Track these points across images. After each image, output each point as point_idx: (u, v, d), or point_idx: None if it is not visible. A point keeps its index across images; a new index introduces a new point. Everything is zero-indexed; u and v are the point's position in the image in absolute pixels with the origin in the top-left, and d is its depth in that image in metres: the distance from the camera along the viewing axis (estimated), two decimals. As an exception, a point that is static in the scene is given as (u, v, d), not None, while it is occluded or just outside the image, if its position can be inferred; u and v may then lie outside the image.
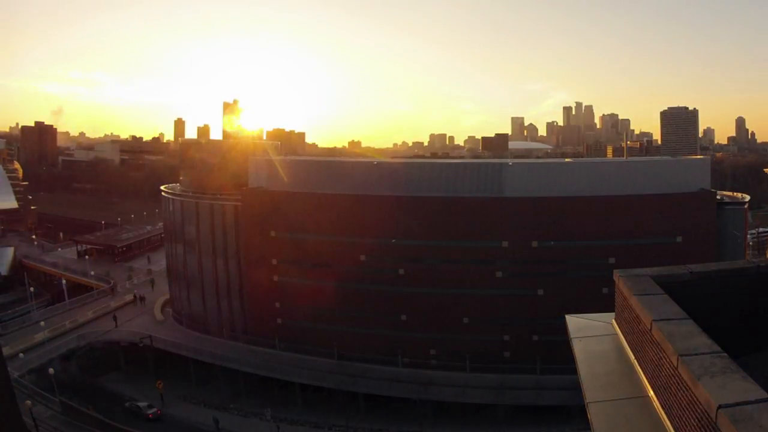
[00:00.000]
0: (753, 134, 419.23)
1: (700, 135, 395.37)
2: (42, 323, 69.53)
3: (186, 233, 78.58)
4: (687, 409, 5.44)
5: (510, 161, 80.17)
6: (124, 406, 64.48)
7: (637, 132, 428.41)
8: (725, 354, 5.58)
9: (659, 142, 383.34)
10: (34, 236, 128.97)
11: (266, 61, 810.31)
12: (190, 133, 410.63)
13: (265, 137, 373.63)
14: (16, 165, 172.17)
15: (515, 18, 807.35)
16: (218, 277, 76.23)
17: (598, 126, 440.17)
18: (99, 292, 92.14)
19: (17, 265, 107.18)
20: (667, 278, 8.33)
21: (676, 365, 5.75)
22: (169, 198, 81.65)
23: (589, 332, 9.24)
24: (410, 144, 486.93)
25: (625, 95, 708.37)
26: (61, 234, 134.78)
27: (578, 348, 8.80)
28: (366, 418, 62.87)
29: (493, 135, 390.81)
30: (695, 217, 62.67)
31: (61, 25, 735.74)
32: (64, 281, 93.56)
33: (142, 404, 64.12)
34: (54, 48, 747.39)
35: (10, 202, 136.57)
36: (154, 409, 63.44)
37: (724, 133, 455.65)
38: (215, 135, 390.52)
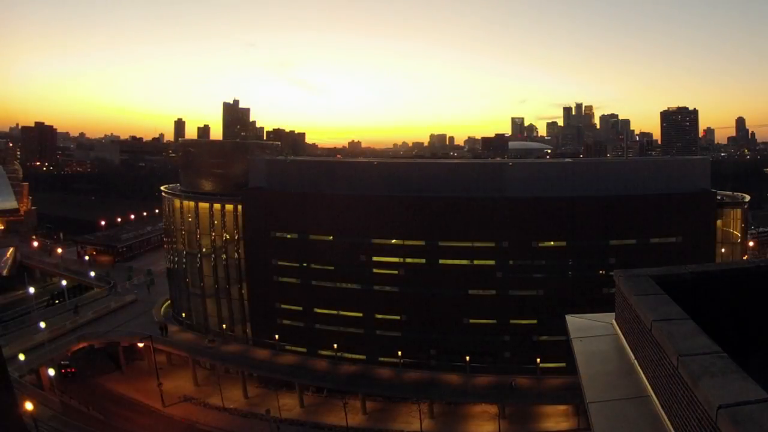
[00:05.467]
0: (753, 134, 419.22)
1: (700, 135, 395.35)
2: (42, 324, 69.41)
3: (186, 233, 78.53)
4: (687, 409, 5.43)
5: (510, 161, 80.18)
6: None
7: (637, 132, 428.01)
8: (725, 354, 5.57)
9: (659, 142, 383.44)
10: (34, 236, 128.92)
11: (267, 61, 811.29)
12: (190, 134, 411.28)
13: (265, 137, 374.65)
14: (16, 165, 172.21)
15: (516, 18, 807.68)
16: (218, 277, 76.19)
17: (598, 126, 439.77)
18: (99, 293, 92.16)
19: (17, 265, 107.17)
20: (667, 278, 8.31)
21: (676, 365, 5.75)
22: (169, 198, 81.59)
23: (589, 332, 9.23)
24: (410, 144, 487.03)
25: (625, 95, 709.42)
26: (61, 234, 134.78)
27: (578, 348, 8.79)
28: (366, 418, 62.89)
29: (493, 135, 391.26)
30: (695, 217, 62.67)
31: (63, 25, 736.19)
32: (64, 281, 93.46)
33: None
34: (55, 48, 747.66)
35: (10, 202, 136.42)
36: None
37: (724, 133, 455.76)
38: (215, 135, 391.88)
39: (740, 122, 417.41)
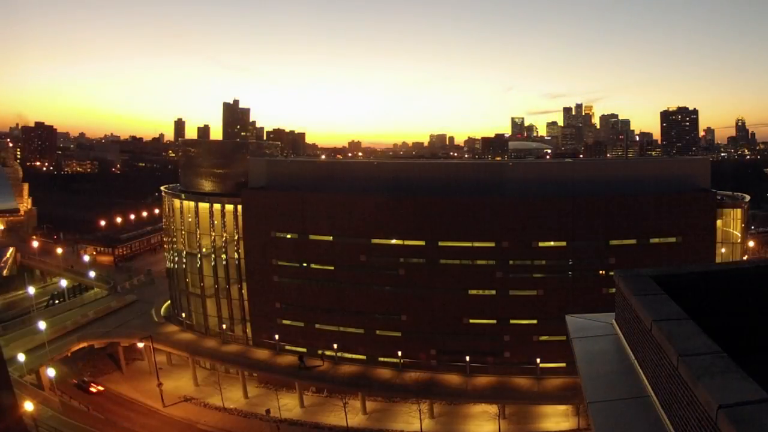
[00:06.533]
0: (753, 134, 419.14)
1: (700, 135, 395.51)
2: (42, 324, 69.44)
3: (186, 233, 78.50)
4: (687, 409, 5.43)
5: (510, 161, 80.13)
6: None
7: (637, 132, 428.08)
8: (725, 354, 5.57)
9: (659, 142, 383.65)
10: (34, 236, 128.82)
11: (266, 61, 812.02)
12: (190, 134, 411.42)
13: (265, 137, 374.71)
14: (16, 165, 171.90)
15: (515, 17, 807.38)
16: (218, 277, 76.18)
17: (597, 126, 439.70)
18: (99, 293, 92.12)
19: (17, 265, 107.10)
20: (667, 278, 8.32)
21: (676, 365, 5.75)
22: (169, 198, 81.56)
23: (589, 332, 9.24)
24: (410, 144, 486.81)
25: (625, 95, 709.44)
26: (60, 234, 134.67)
27: (578, 348, 8.80)
28: (366, 418, 62.92)
29: (493, 135, 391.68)
30: (695, 217, 62.64)
31: (64, 26, 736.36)
32: (64, 281, 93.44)
33: None
34: (55, 48, 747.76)
35: (10, 202, 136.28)
36: None
37: (724, 133, 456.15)
38: (215, 135, 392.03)
39: (740, 122, 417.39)
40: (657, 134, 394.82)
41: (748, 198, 69.76)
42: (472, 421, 61.27)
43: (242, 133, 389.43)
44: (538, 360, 62.37)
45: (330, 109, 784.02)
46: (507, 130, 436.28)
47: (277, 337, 70.93)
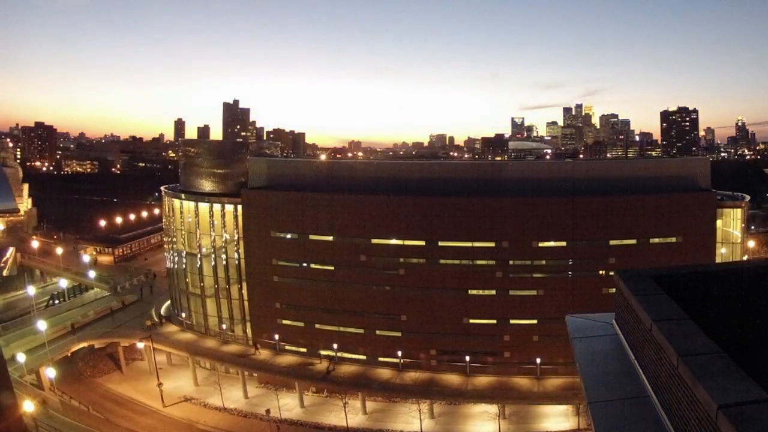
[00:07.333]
0: (753, 134, 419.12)
1: (701, 135, 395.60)
2: (42, 324, 69.37)
3: (186, 233, 78.45)
4: (687, 409, 5.44)
5: (510, 161, 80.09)
6: None
7: (637, 132, 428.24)
8: (725, 354, 5.57)
9: (659, 142, 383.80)
10: (34, 236, 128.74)
11: (267, 61, 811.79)
12: (190, 134, 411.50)
13: (265, 137, 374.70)
14: (16, 165, 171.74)
15: (515, 17, 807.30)
16: (218, 277, 76.15)
17: (597, 126, 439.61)
18: (99, 293, 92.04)
19: (17, 265, 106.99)
20: (667, 278, 8.32)
21: (676, 365, 5.75)
22: (169, 198, 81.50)
23: (589, 332, 9.25)
24: (410, 144, 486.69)
25: (625, 95, 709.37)
26: (61, 234, 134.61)
27: (578, 348, 8.81)
28: (366, 418, 62.90)
29: (492, 135, 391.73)
30: (695, 217, 62.65)
31: (64, 26, 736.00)
32: (63, 281, 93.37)
33: None
34: (56, 48, 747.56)
35: (10, 202, 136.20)
36: None
37: (724, 133, 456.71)
38: (215, 135, 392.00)
39: (740, 122, 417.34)
40: (657, 134, 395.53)
41: (748, 198, 69.71)
42: (472, 421, 61.26)
43: (242, 133, 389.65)
44: (538, 360, 62.38)
45: (330, 109, 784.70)
46: (507, 130, 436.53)
47: (277, 337, 70.92)
